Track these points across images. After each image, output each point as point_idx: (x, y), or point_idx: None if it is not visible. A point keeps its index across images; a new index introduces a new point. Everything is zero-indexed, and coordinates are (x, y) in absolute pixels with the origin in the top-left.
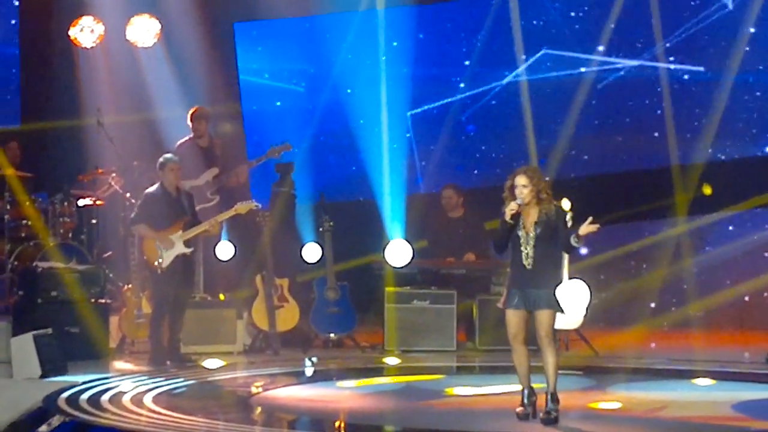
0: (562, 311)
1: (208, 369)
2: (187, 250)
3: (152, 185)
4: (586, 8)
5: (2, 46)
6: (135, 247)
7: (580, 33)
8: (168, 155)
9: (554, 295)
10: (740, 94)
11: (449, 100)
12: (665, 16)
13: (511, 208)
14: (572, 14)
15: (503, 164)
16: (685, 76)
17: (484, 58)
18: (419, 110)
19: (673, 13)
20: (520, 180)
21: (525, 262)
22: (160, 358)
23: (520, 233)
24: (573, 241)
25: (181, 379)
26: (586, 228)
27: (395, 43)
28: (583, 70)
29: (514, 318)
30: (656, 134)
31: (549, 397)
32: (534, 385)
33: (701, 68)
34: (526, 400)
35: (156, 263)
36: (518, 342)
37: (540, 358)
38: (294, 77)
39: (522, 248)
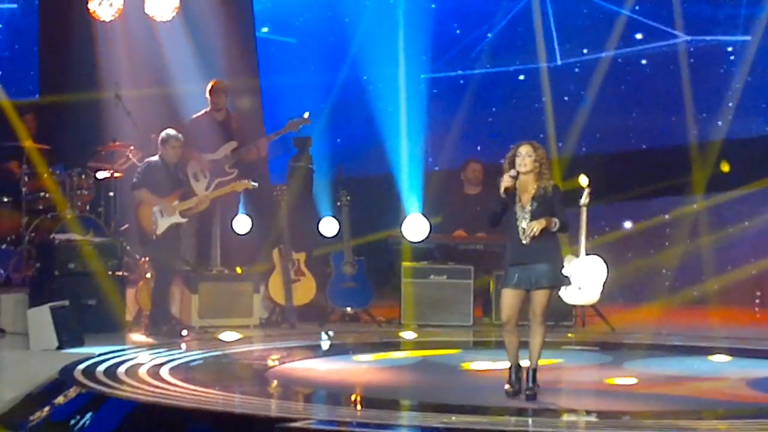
0: (568, 284)
1: (225, 342)
2: (182, 220)
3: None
4: None
5: (21, 18)
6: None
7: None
8: (171, 132)
9: (558, 269)
10: (760, 71)
11: (465, 72)
12: None
13: (505, 181)
14: None
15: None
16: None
17: (503, 37)
18: (435, 77)
19: None
20: (525, 149)
21: (521, 237)
22: (157, 324)
23: (516, 208)
24: (553, 228)
25: (198, 352)
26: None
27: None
28: (605, 56)
29: (510, 298)
30: (674, 111)
31: (531, 374)
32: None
33: (748, 37)
34: (513, 377)
35: (150, 229)
36: (511, 326)
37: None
38: (312, 50)
39: (518, 223)
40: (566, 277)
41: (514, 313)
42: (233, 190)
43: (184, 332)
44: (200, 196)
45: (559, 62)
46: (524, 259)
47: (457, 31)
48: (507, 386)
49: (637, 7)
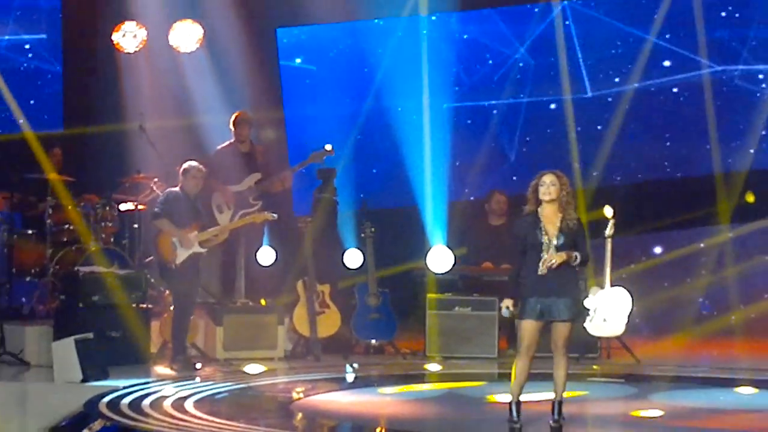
0: (586, 317)
1: (250, 374)
2: (201, 251)
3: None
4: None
5: (45, 51)
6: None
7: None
8: (193, 162)
9: (578, 302)
10: None
11: (489, 102)
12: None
13: (506, 306)
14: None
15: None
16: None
17: (536, 67)
18: (461, 107)
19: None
20: (548, 178)
21: (540, 271)
22: (184, 361)
23: (543, 240)
24: (573, 262)
25: (223, 385)
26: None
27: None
28: (633, 86)
29: (531, 329)
30: (700, 141)
31: (557, 406)
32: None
33: None
34: (515, 413)
35: (170, 259)
36: (529, 355)
37: (550, 366)
38: (336, 82)
39: (543, 255)
40: (587, 309)
41: (534, 343)
42: (253, 222)
43: (198, 365)
44: (220, 226)
45: (589, 92)
46: (545, 291)
47: (490, 61)
48: (515, 425)
49: (667, 36)
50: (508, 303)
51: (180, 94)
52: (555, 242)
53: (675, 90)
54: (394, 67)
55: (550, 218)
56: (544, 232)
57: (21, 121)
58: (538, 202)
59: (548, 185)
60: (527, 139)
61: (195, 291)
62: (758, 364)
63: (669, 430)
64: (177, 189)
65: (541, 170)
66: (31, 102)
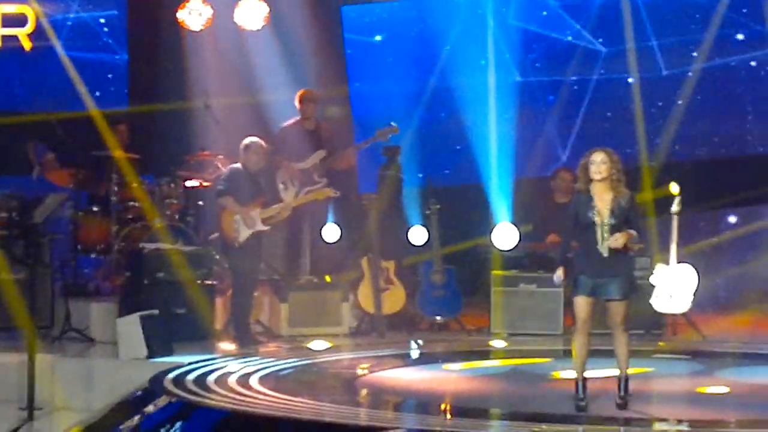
0: (636, 294)
1: (314, 351)
2: (264, 228)
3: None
4: None
5: (110, 28)
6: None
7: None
8: (254, 139)
9: (631, 280)
10: None
11: (556, 78)
12: None
13: (558, 275)
14: None
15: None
16: None
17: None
18: (524, 83)
19: None
20: (599, 156)
21: (601, 248)
22: (247, 339)
23: (596, 219)
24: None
25: (287, 361)
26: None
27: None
28: (710, 62)
29: (585, 305)
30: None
31: (623, 382)
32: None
33: None
34: (581, 391)
35: (232, 237)
36: (586, 330)
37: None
38: (401, 59)
39: (597, 236)
40: (651, 285)
41: (588, 318)
42: (316, 199)
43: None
44: (283, 203)
45: (663, 69)
46: (599, 271)
47: (561, 37)
48: (581, 403)
49: (744, 10)
50: (560, 271)
51: (245, 71)
52: (607, 221)
53: (753, 64)
54: (459, 43)
55: (602, 197)
56: (596, 212)
57: (87, 98)
58: (589, 181)
59: (598, 164)
60: (595, 116)
61: (257, 270)
62: None
63: (735, 406)
64: (239, 165)
65: (593, 148)
66: (97, 79)
